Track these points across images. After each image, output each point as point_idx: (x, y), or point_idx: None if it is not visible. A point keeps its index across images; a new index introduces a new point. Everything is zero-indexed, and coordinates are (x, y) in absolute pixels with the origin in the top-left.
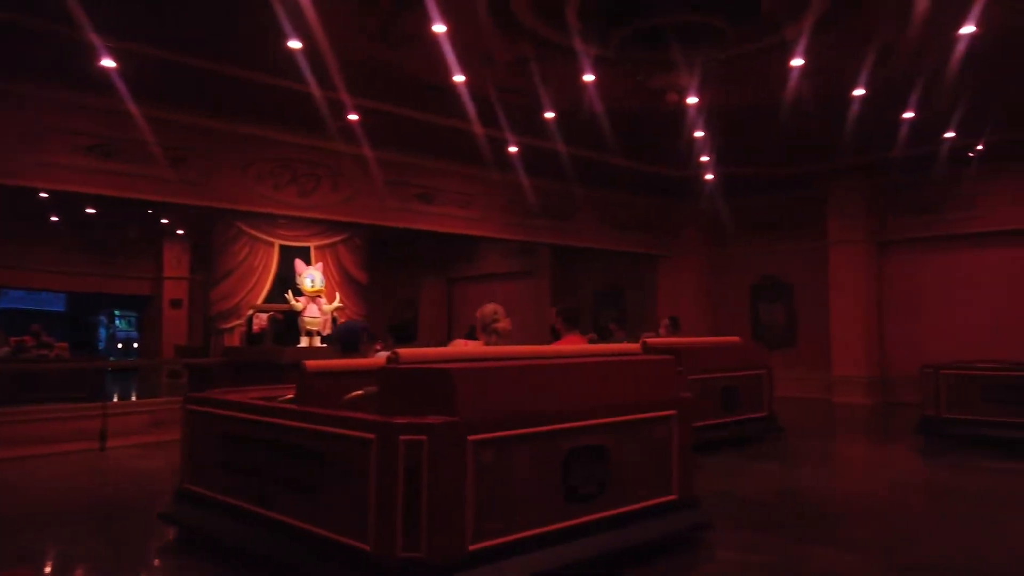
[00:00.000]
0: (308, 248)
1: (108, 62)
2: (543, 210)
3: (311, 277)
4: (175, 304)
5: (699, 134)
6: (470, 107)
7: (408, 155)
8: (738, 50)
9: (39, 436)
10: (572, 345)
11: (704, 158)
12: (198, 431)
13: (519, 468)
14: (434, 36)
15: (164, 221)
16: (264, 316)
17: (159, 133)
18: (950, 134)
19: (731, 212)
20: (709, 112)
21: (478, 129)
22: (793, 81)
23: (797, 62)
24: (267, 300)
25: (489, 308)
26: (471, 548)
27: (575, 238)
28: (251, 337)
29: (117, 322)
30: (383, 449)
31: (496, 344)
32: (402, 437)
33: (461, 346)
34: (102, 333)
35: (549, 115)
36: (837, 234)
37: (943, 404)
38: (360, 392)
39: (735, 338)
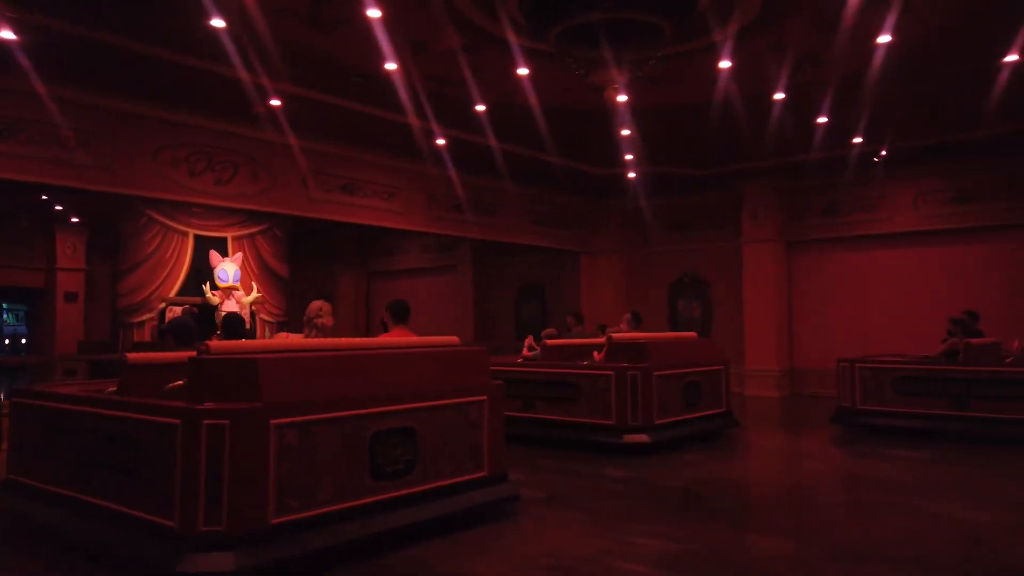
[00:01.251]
0: (225, 239)
1: (7, 34)
2: (467, 204)
3: (224, 271)
4: (70, 297)
5: (625, 132)
6: (399, 97)
7: (331, 144)
8: (670, 50)
9: None
10: (396, 337)
11: (628, 156)
12: (24, 423)
13: (325, 449)
14: (366, 21)
15: (58, 208)
16: (178, 310)
17: (64, 114)
18: (858, 139)
19: (652, 211)
20: (636, 111)
21: (406, 120)
22: (718, 83)
23: (724, 64)
24: (181, 292)
25: (315, 305)
26: (273, 522)
27: (499, 233)
28: (162, 332)
29: (5, 316)
30: (187, 433)
31: (316, 338)
32: (205, 421)
33: (283, 338)
34: None
35: (480, 108)
36: (750, 233)
37: (858, 396)
38: (180, 382)
39: (692, 333)
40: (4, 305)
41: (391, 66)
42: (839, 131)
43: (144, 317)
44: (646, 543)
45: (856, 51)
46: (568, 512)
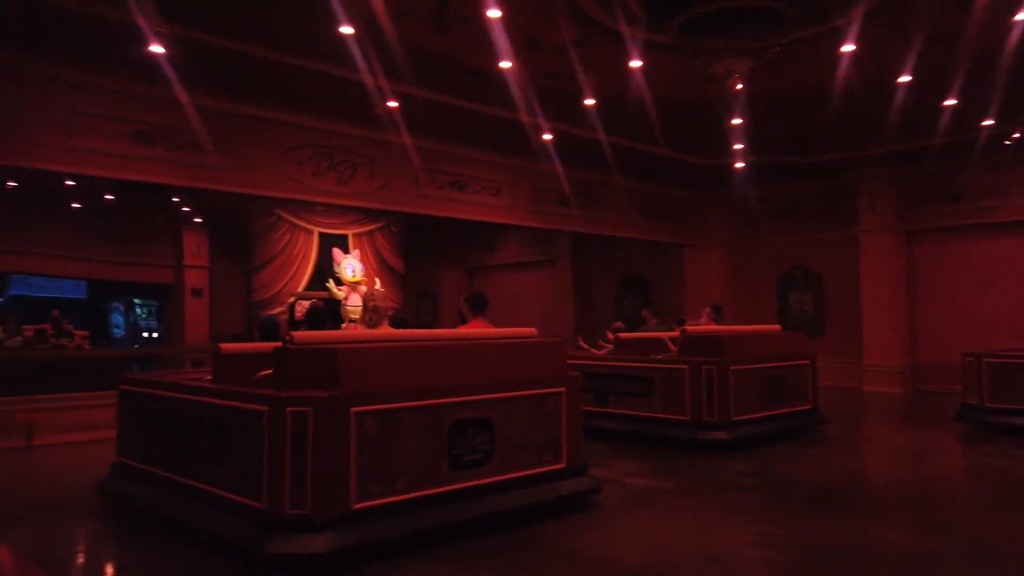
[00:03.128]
0: (346, 236)
1: (156, 48)
2: (572, 198)
3: (352, 266)
4: (196, 293)
5: (736, 121)
6: (510, 93)
7: (442, 142)
8: (795, 35)
9: (74, 423)
10: (475, 329)
11: (738, 146)
12: (130, 409)
13: (404, 437)
14: (485, 20)
15: (185, 209)
16: (306, 303)
17: (202, 119)
18: (988, 122)
19: (760, 201)
20: (749, 99)
21: (515, 116)
22: (838, 68)
23: (847, 48)
24: (308, 287)
25: (367, 292)
26: (355, 507)
27: (603, 227)
28: (293, 324)
29: (138, 310)
30: (273, 419)
31: (374, 320)
32: (289, 409)
33: (353, 330)
34: (119, 320)
35: (589, 102)
36: (868, 222)
37: (985, 393)
38: (269, 371)
39: (775, 326)
40: (136, 301)
41: (505, 64)
42: (967, 113)
43: (276, 310)
44: (777, 533)
45: (991, 30)
46: (697, 504)
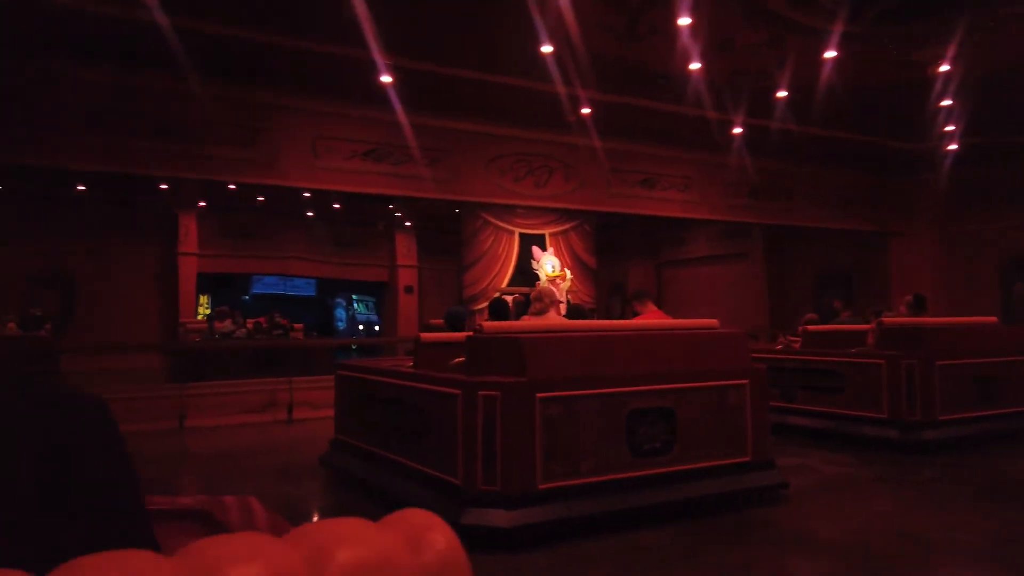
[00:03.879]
0: (543, 235)
1: (386, 78)
2: (763, 191)
3: (551, 262)
4: (408, 290)
5: (946, 103)
6: (699, 92)
7: (632, 143)
8: (1004, 12)
9: (323, 401)
10: (650, 319)
11: (949, 128)
12: (344, 391)
13: (585, 422)
14: (678, 28)
15: (398, 214)
16: (509, 298)
17: (419, 137)
18: None
19: (974, 184)
20: (961, 80)
21: (703, 113)
22: None
23: None
24: (510, 284)
25: (539, 287)
26: (541, 487)
27: (796, 218)
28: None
29: (356, 305)
30: (466, 403)
31: (539, 313)
32: (480, 393)
33: (529, 320)
34: (341, 315)
35: (781, 94)
36: None
37: None
38: (462, 359)
39: (991, 318)
40: (354, 296)
41: (695, 65)
42: None
43: (482, 305)
44: (983, 522)
45: None
46: (898, 491)
